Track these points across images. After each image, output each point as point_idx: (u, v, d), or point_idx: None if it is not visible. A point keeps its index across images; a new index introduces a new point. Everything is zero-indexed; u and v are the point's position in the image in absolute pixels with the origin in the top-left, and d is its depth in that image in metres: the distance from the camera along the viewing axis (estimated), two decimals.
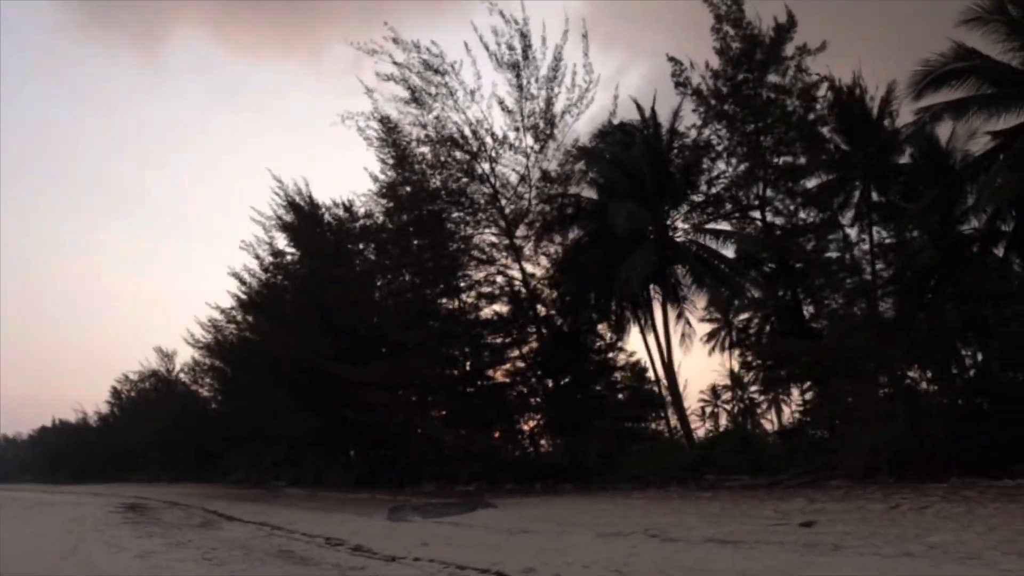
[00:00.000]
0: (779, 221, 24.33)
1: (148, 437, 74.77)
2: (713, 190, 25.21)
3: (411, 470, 31.12)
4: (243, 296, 37.38)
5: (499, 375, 27.83)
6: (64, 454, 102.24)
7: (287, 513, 20.29)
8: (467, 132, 25.42)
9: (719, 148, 24.27)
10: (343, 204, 34.45)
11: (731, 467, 20.07)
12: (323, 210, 36.45)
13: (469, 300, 27.73)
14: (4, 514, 25.58)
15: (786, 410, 40.48)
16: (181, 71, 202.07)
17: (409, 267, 28.91)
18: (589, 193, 26.34)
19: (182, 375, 73.84)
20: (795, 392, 28.98)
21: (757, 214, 24.71)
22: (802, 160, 23.30)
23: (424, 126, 26.07)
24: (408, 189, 27.96)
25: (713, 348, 46.75)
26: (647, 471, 21.54)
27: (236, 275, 37.67)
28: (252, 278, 38.29)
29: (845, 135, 22.27)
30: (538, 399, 26.48)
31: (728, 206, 25.47)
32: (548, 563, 8.98)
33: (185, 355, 74.49)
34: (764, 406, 45.14)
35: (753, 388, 45.29)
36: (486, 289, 27.09)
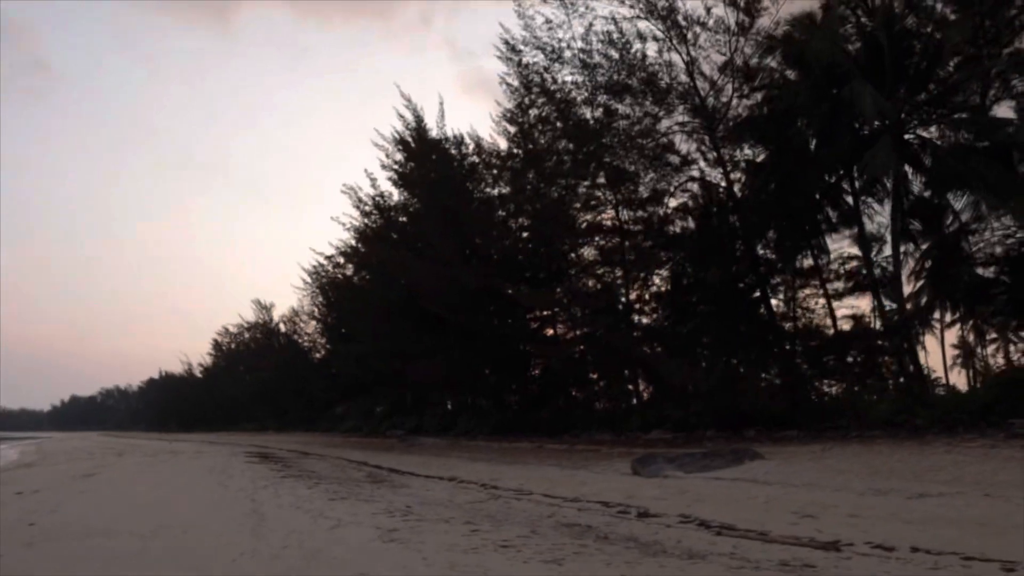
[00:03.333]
0: None
1: (252, 387, 73.01)
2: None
3: (569, 415, 26.80)
4: (368, 228, 33.36)
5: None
6: (172, 404, 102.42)
7: (467, 466, 15.96)
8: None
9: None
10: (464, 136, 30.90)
11: None
12: (446, 140, 32.44)
13: (660, 211, 22.94)
14: (131, 464, 22.13)
15: None
16: (254, 38, 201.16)
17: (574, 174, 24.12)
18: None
19: (282, 326, 71.50)
20: None
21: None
22: None
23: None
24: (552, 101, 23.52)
25: None
26: (901, 416, 16.44)
27: (357, 204, 33.69)
28: (370, 212, 34.48)
29: None
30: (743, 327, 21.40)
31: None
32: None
33: (283, 307, 72.79)
34: None
35: None
36: (674, 202, 22.29)
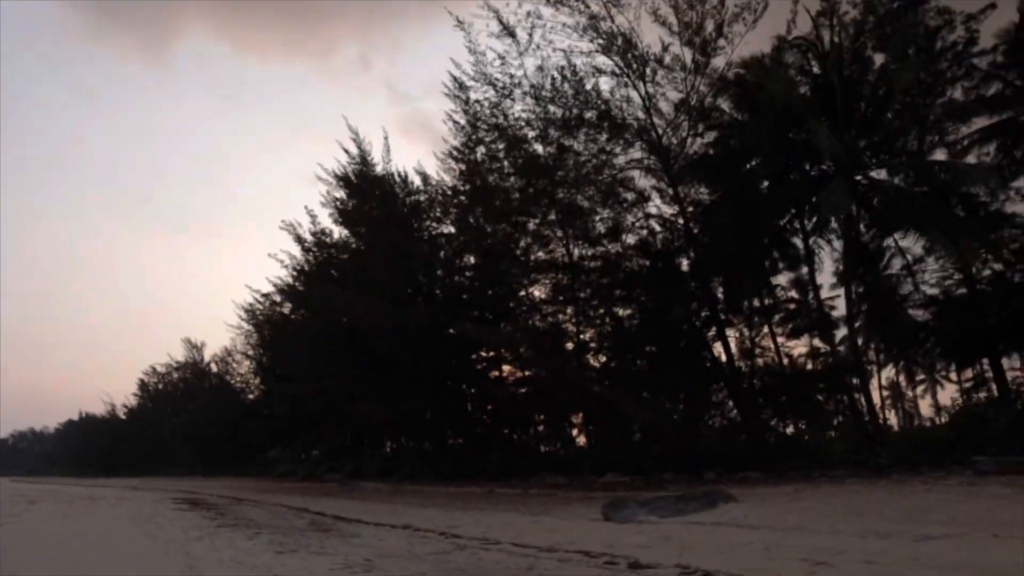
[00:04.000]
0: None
1: (179, 430, 69.74)
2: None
3: (518, 459, 25.84)
4: (310, 264, 32.18)
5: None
6: (92, 448, 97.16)
7: (417, 512, 14.91)
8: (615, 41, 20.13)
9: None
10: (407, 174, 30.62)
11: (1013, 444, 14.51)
12: (391, 177, 31.85)
13: (615, 248, 22.55)
14: (45, 512, 20.25)
15: None
16: (189, 72, 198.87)
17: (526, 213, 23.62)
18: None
19: (213, 365, 68.85)
20: None
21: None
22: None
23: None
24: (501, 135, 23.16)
25: None
26: (862, 455, 16.12)
27: (299, 240, 32.54)
28: (311, 249, 33.38)
29: None
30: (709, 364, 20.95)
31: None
32: None
33: (214, 347, 70.21)
34: None
35: None
36: (631, 239, 21.95)
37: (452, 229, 29.85)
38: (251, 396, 59.34)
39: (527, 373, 27.51)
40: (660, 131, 21.08)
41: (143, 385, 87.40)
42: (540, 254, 25.46)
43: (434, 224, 30.88)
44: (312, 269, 33.93)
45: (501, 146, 24.75)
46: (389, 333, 27.14)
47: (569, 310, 25.31)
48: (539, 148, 23.99)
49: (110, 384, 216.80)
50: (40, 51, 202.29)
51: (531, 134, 24.01)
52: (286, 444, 49.42)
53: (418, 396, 29.15)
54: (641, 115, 21.05)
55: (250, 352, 54.10)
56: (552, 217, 24.75)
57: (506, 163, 25.01)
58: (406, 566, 7.60)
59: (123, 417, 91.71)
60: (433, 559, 8.18)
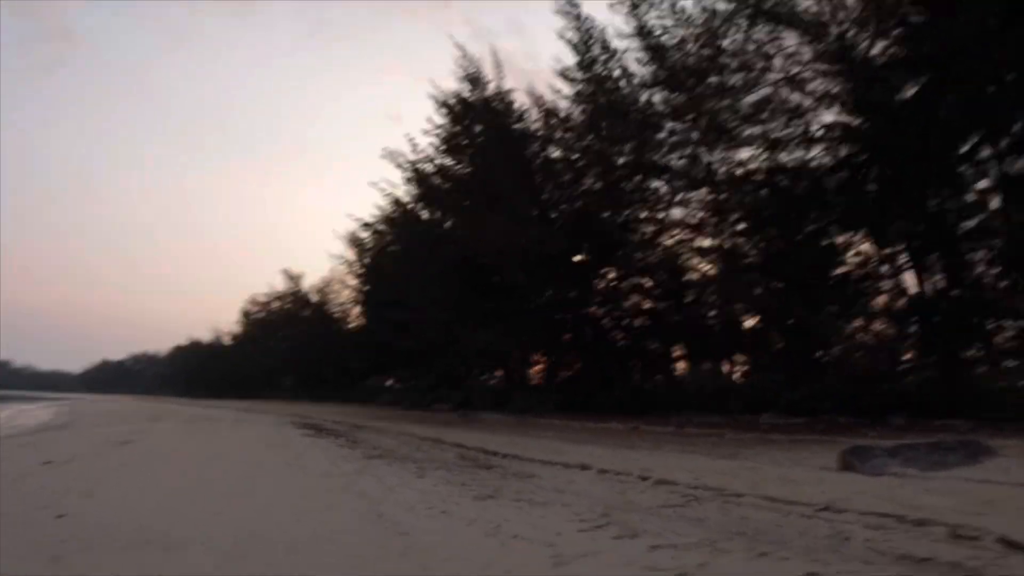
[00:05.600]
0: None
1: (283, 356, 70.97)
2: None
3: (651, 393, 23.92)
4: (425, 183, 30.63)
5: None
6: (201, 371, 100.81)
7: (577, 449, 13.11)
8: None
9: None
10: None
11: None
12: (500, 96, 29.93)
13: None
14: (169, 433, 19.56)
15: None
16: (273, 11, 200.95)
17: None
18: None
19: (313, 295, 69.21)
20: None
21: None
22: None
23: None
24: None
25: None
26: None
27: (409, 165, 30.93)
28: (420, 173, 31.82)
29: None
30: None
31: None
32: None
33: (312, 278, 70.62)
34: None
35: None
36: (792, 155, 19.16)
37: (565, 153, 27.82)
38: (350, 325, 59.37)
39: (658, 304, 25.38)
40: (836, 27, 18.04)
41: (246, 314, 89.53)
42: (679, 166, 22.86)
43: (550, 147, 28.78)
44: (421, 194, 32.54)
45: (639, 54, 22.43)
46: (507, 257, 25.39)
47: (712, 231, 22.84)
48: (679, 55, 21.46)
49: (216, 313, 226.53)
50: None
51: (671, 41, 21.55)
52: (389, 372, 49.04)
53: (536, 325, 27.47)
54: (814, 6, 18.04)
55: (351, 281, 53.72)
56: (696, 135, 22.15)
57: (641, 73, 22.65)
58: (655, 523, 5.67)
59: (229, 344, 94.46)
60: (675, 513, 6.23)
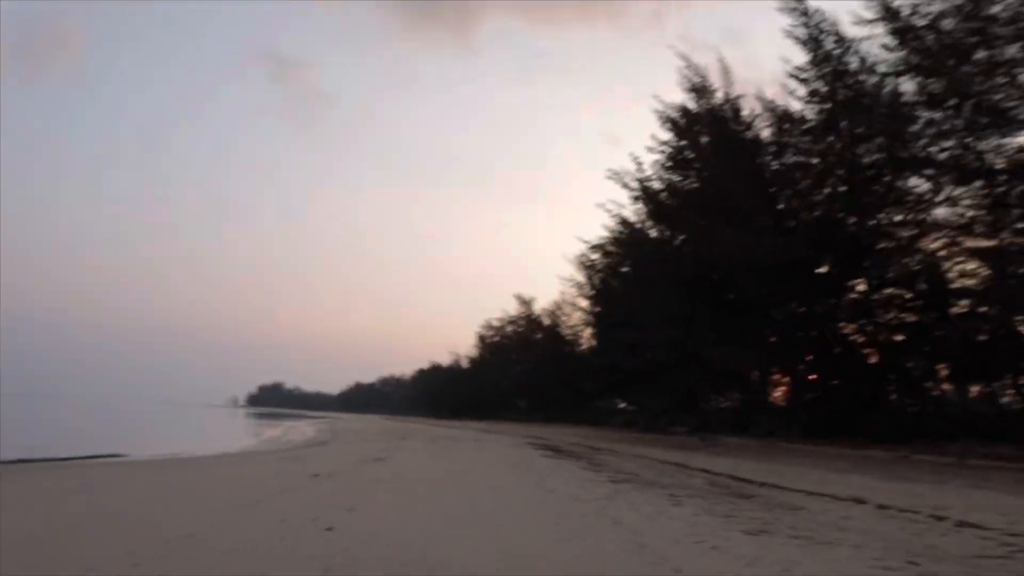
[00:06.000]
0: None
1: (516, 378, 72.89)
2: None
3: (917, 417, 21.35)
4: (651, 203, 30.14)
5: None
6: (441, 393, 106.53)
7: (841, 479, 11.78)
8: None
9: None
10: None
11: None
12: (728, 104, 28.68)
13: None
14: (418, 452, 20.45)
15: None
16: (492, 50, 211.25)
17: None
18: None
19: (544, 318, 70.50)
20: None
21: None
22: None
23: None
24: None
25: None
26: None
27: (637, 183, 30.58)
28: (640, 197, 31.38)
29: None
30: None
31: None
32: None
33: (542, 302, 72.15)
34: None
35: None
36: None
37: (802, 157, 25.89)
38: (581, 347, 59.69)
39: (921, 317, 22.61)
40: None
41: (481, 338, 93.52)
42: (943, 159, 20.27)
43: (785, 153, 26.93)
44: (650, 211, 31.97)
45: (884, 40, 20.40)
46: (742, 271, 23.95)
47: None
48: (935, 35, 19.17)
49: (457, 337, 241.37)
50: (364, 48, 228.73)
51: (923, 20, 19.34)
52: (621, 394, 48.50)
53: (779, 342, 25.66)
54: None
55: (582, 303, 54.09)
56: (961, 122, 19.54)
57: (887, 60, 20.53)
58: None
59: (466, 367, 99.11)
60: (1005, 568, 5.10)
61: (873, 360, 25.23)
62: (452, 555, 5.17)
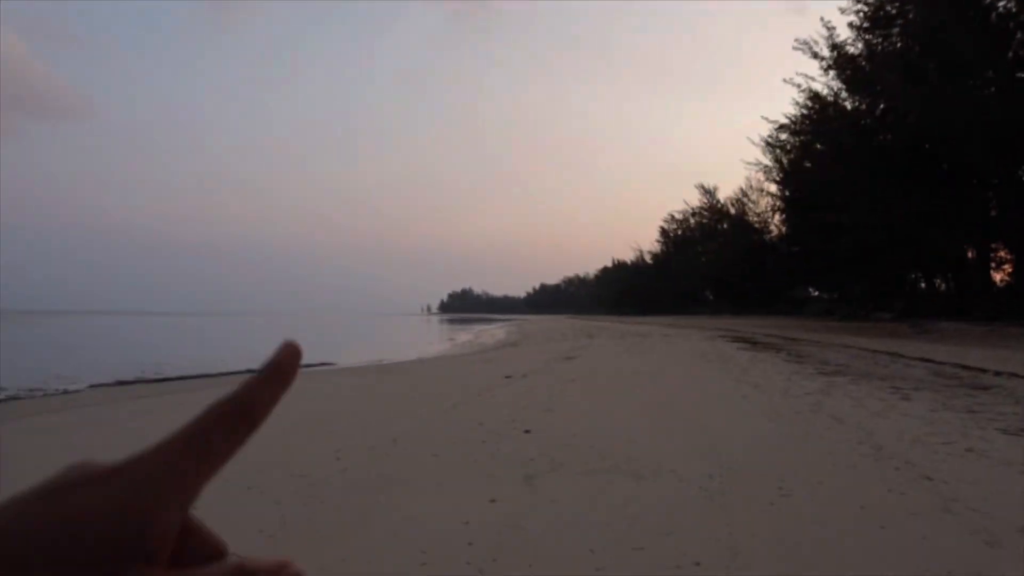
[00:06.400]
0: None
1: (701, 270, 71.00)
2: None
3: None
4: (850, 69, 27.19)
5: None
6: (625, 290, 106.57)
7: None
8: None
9: None
10: None
11: None
12: None
13: None
14: (606, 349, 20.30)
15: None
16: None
17: None
18: None
19: (729, 207, 67.42)
20: None
21: None
22: None
23: None
24: None
25: None
26: None
27: (831, 50, 27.57)
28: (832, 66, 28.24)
29: None
30: None
31: None
32: None
33: (727, 190, 68.85)
34: None
35: None
36: None
37: None
38: (769, 235, 56.75)
39: None
40: None
41: (664, 232, 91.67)
42: None
43: None
44: (848, 78, 28.84)
45: None
46: (965, 138, 21.01)
47: None
48: None
49: (637, 233, 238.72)
50: None
51: None
52: (817, 281, 45.81)
53: (1001, 215, 22.64)
54: None
55: (770, 188, 51.02)
56: None
57: None
58: None
59: (649, 262, 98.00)
60: None
61: None
62: (661, 461, 4.80)
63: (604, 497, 4.07)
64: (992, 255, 29.13)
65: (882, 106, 26.65)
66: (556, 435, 5.86)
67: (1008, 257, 28.86)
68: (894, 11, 26.34)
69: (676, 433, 5.74)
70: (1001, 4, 22.65)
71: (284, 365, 0.31)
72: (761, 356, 13.73)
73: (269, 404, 0.31)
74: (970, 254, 29.25)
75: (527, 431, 6.16)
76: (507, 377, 11.32)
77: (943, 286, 33.59)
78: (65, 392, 12.81)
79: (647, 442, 5.43)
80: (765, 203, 57.18)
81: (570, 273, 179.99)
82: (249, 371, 0.34)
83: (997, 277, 29.89)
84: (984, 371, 10.31)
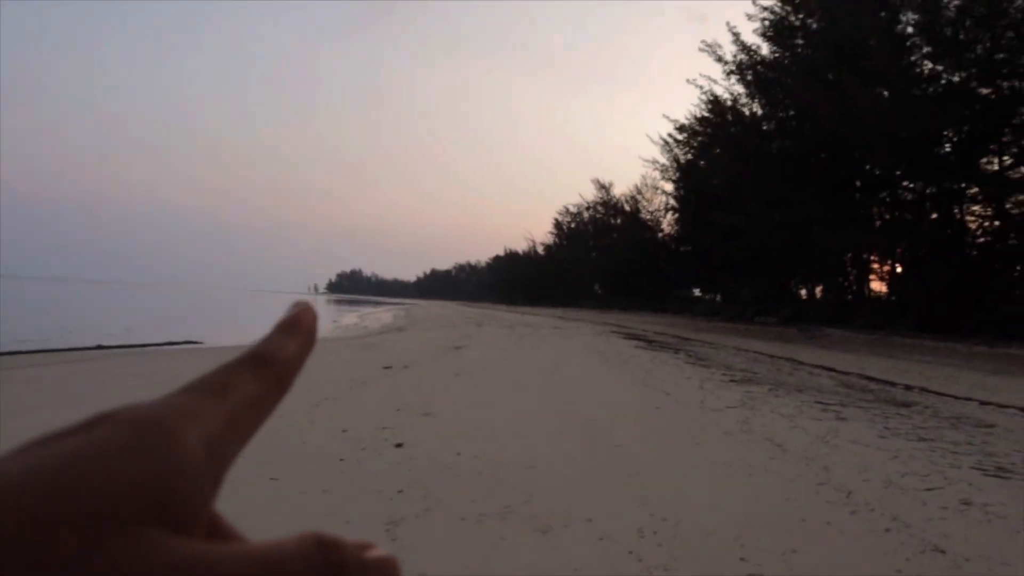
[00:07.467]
0: None
1: (595, 265, 71.33)
2: None
3: None
4: (751, 74, 27.07)
5: None
6: (516, 279, 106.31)
7: (992, 382, 9.80)
8: None
9: None
10: None
11: None
12: None
13: None
14: (496, 340, 19.15)
15: None
16: None
17: None
18: None
19: (624, 204, 67.80)
20: None
21: None
22: None
23: None
24: None
25: None
26: None
27: (736, 54, 27.42)
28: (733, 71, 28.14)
29: None
30: None
31: None
32: None
33: (622, 186, 69.35)
34: None
35: None
36: None
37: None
38: (662, 233, 57.31)
39: None
40: None
41: (558, 224, 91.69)
42: None
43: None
44: (750, 83, 28.80)
45: None
46: (861, 143, 21.05)
47: None
48: None
49: (529, 224, 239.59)
50: None
51: None
52: (705, 282, 46.38)
53: (889, 224, 22.95)
54: None
55: (665, 187, 51.37)
56: None
57: None
58: None
59: (542, 253, 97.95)
60: None
61: (1012, 241, 22.35)
62: (567, 500, 3.57)
63: (495, 563, 2.81)
64: (870, 265, 29.88)
65: (781, 114, 26.70)
66: (435, 453, 4.55)
67: (885, 269, 29.68)
68: (798, 22, 26.45)
69: (585, 456, 4.53)
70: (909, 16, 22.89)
71: (304, 323, 0.27)
72: (661, 357, 12.85)
73: (297, 359, 0.26)
74: (849, 265, 29.93)
75: (399, 445, 4.83)
76: (386, 368, 9.94)
77: (823, 294, 34.39)
78: None
79: (550, 467, 4.21)
80: (659, 201, 57.71)
81: (462, 260, 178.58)
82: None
83: (876, 287, 30.74)
84: (893, 384, 9.72)
